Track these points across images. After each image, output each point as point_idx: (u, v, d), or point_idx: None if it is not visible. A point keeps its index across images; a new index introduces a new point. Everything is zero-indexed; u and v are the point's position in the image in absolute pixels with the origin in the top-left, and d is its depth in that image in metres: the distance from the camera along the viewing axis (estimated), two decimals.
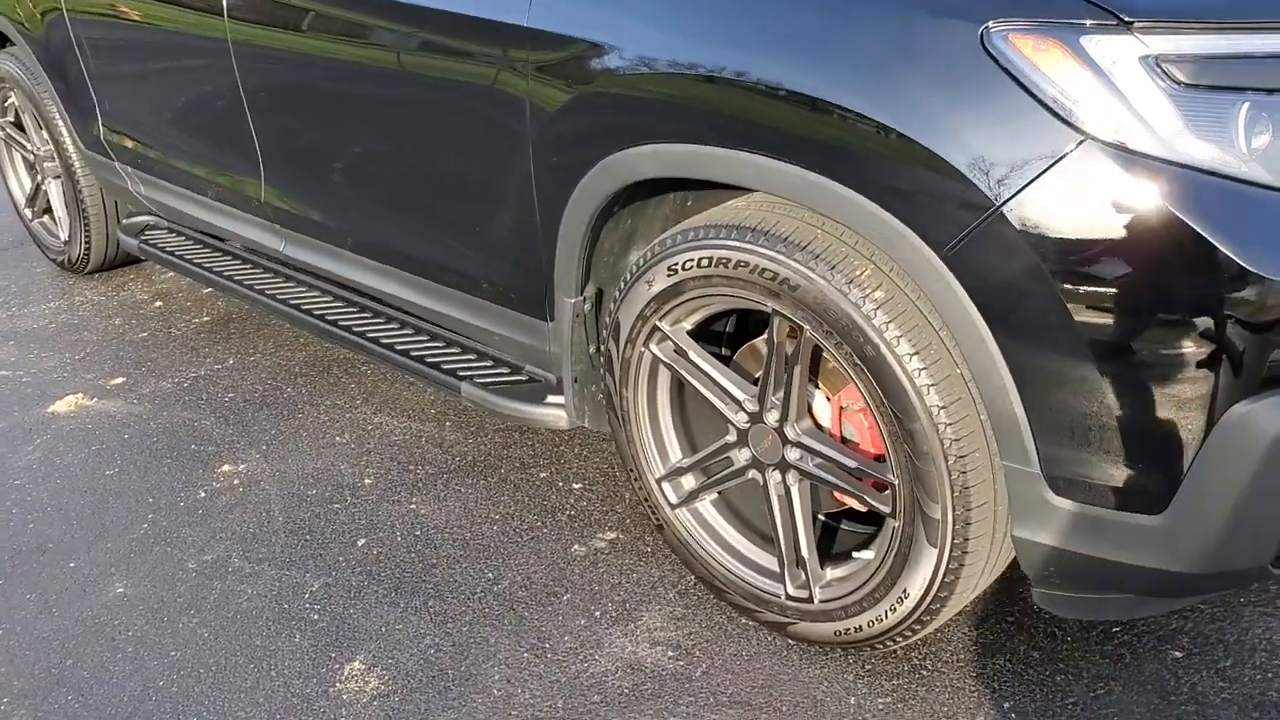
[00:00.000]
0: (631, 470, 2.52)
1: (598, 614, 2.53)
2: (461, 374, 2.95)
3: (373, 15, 2.66)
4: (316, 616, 2.60)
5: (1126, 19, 1.69)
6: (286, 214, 3.25)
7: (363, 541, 2.84)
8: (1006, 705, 2.19)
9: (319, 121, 2.95)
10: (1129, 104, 1.67)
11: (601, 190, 2.30)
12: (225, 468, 3.20)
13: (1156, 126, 1.67)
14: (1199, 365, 1.70)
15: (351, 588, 2.68)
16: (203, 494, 3.09)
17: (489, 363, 2.98)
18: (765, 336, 2.31)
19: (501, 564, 2.72)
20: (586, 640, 2.46)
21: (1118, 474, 1.81)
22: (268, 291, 3.51)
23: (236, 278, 3.65)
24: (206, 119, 3.41)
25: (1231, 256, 1.63)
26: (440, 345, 3.10)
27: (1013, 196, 1.73)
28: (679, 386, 2.45)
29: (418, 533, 2.86)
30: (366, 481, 3.09)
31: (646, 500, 2.52)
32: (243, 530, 2.92)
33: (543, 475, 3.05)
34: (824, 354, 2.15)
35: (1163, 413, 1.74)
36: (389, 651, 2.47)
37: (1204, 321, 1.68)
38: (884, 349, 1.95)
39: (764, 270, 2.06)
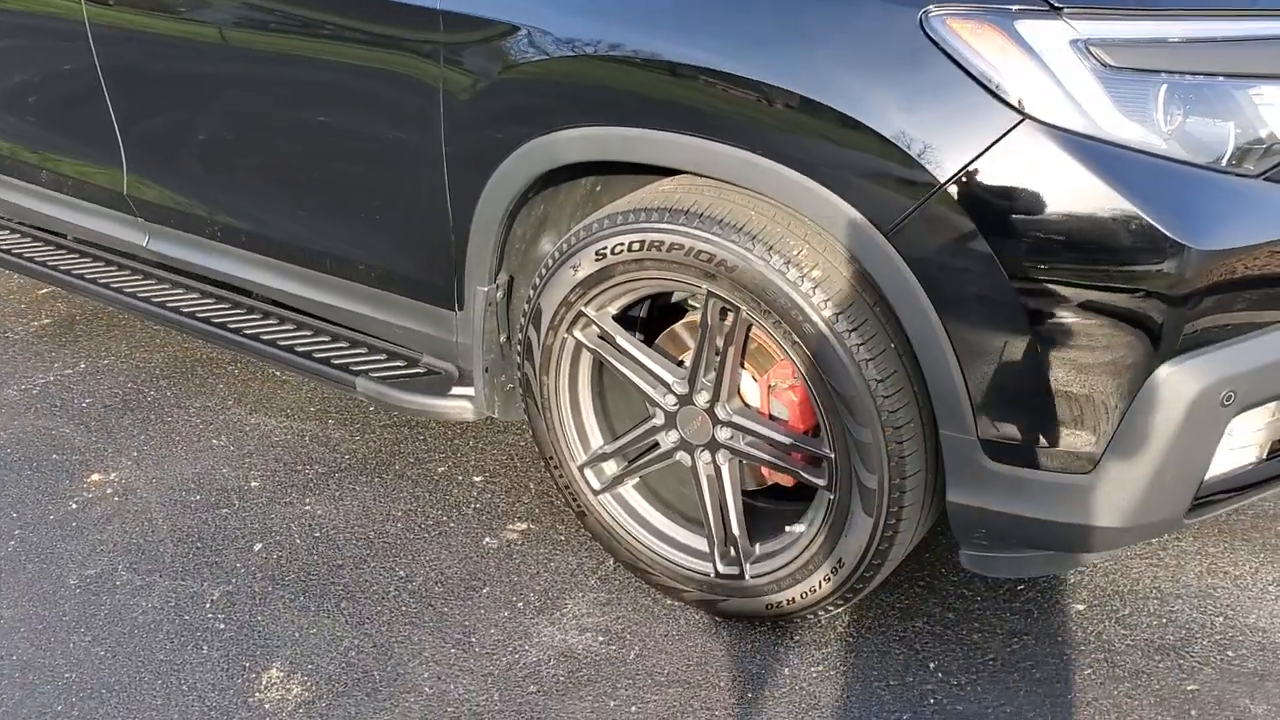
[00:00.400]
0: (551, 458, 2.50)
1: (520, 605, 2.51)
2: (354, 369, 2.86)
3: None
4: (222, 626, 2.48)
5: (1056, 4, 1.79)
6: (152, 207, 3.08)
7: (259, 546, 2.73)
8: (932, 665, 2.29)
9: (197, 108, 2.80)
10: (1062, 85, 1.77)
11: (521, 176, 2.28)
12: (95, 477, 3.02)
13: (1087, 106, 1.77)
14: (1128, 331, 1.82)
15: (255, 594, 2.57)
16: (73, 505, 2.90)
17: (382, 356, 2.90)
18: (694, 319, 2.34)
19: (412, 561, 2.66)
20: (513, 631, 2.43)
21: (1051, 437, 1.91)
22: (128, 290, 3.31)
23: (88, 276, 3.43)
24: (52, 103, 3.19)
25: (1158, 227, 1.75)
26: (327, 340, 3.00)
27: (955, 175, 1.80)
28: (598, 372, 2.45)
29: (317, 534, 2.77)
30: (253, 484, 2.96)
31: (567, 488, 2.51)
32: (125, 541, 2.76)
33: (440, 470, 3.00)
34: (750, 334, 2.19)
35: (1094, 377, 1.85)
36: (307, 656, 2.38)
37: (1133, 289, 1.80)
38: (823, 326, 2.01)
39: (699, 252, 2.09)
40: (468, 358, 2.62)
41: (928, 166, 1.82)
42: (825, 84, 1.88)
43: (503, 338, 2.56)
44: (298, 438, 3.15)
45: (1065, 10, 1.78)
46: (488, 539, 2.73)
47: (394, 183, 2.50)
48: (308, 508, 2.86)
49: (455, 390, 2.70)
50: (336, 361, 2.89)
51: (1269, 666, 2.24)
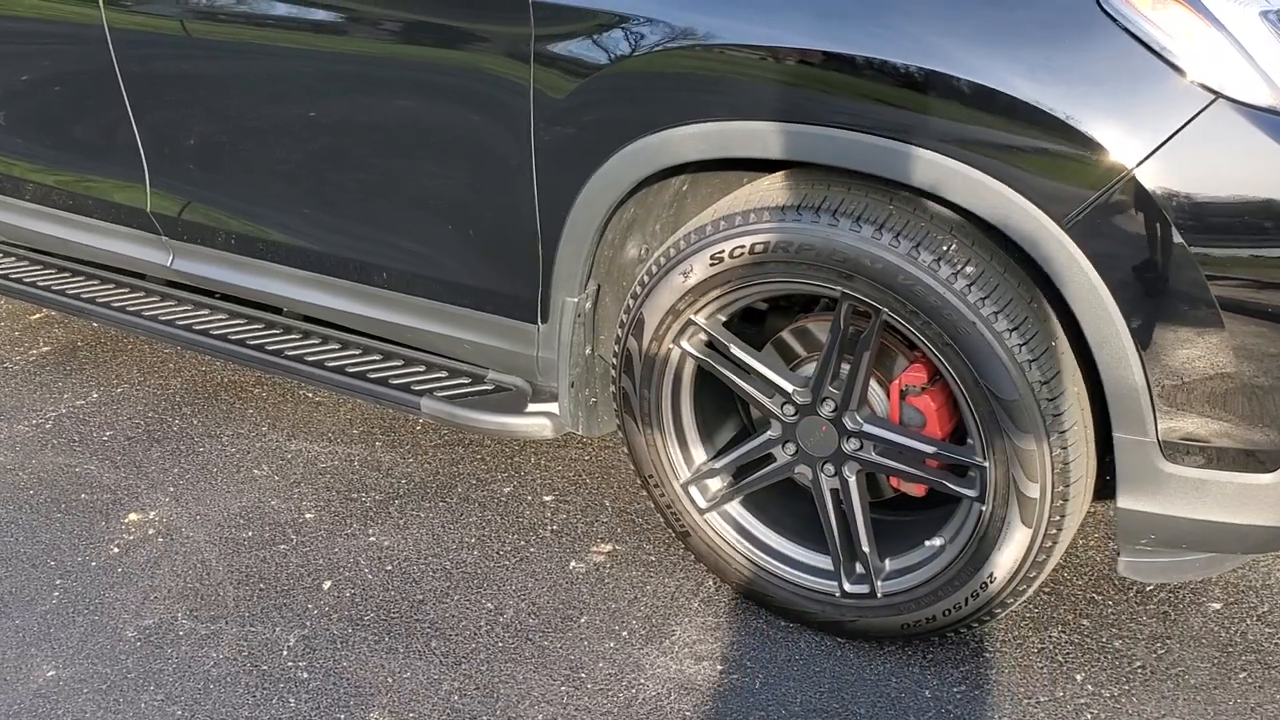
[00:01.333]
0: (650, 476, 2.34)
1: (625, 634, 2.35)
2: (416, 389, 2.67)
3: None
4: (305, 675, 2.29)
5: None
6: (179, 223, 2.86)
7: (329, 584, 2.54)
8: (1079, 677, 2.17)
9: (233, 114, 2.59)
10: (1255, 61, 1.65)
11: (626, 178, 2.11)
12: (133, 516, 2.80)
13: None
14: None
15: (335, 637, 2.38)
16: (115, 549, 2.68)
17: (443, 374, 2.72)
18: (805, 323, 2.20)
19: (498, 591, 2.49)
20: (624, 664, 2.27)
21: (1233, 436, 1.80)
22: (148, 314, 3.08)
23: (101, 300, 3.19)
24: (63, 113, 2.96)
25: None
26: (379, 359, 2.81)
27: (1143, 160, 1.68)
28: (700, 383, 2.29)
29: (389, 567, 2.58)
30: (308, 516, 2.76)
31: (669, 508, 2.35)
32: (180, 586, 2.55)
33: (507, 490, 2.82)
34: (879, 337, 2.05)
35: (1277, 369, 1.74)
36: (406, 704, 2.20)
37: None
38: (980, 326, 1.87)
39: (834, 252, 1.94)
40: (548, 372, 2.45)
41: (1112, 152, 1.69)
42: (989, 66, 1.74)
43: (587, 349, 2.40)
44: (346, 463, 2.96)
45: None
46: (574, 563, 2.56)
47: (471, 190, 2.32)
48: (373, 538, 2.67)
49: (532, 407, 2.54)
50: (395, 382, 2.70)
51: None
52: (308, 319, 2.95)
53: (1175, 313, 1.74)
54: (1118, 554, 2.04)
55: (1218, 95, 1.65)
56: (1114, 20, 1.68)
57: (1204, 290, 1.71)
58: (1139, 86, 1.68)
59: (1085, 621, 2.29)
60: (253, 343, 2.93)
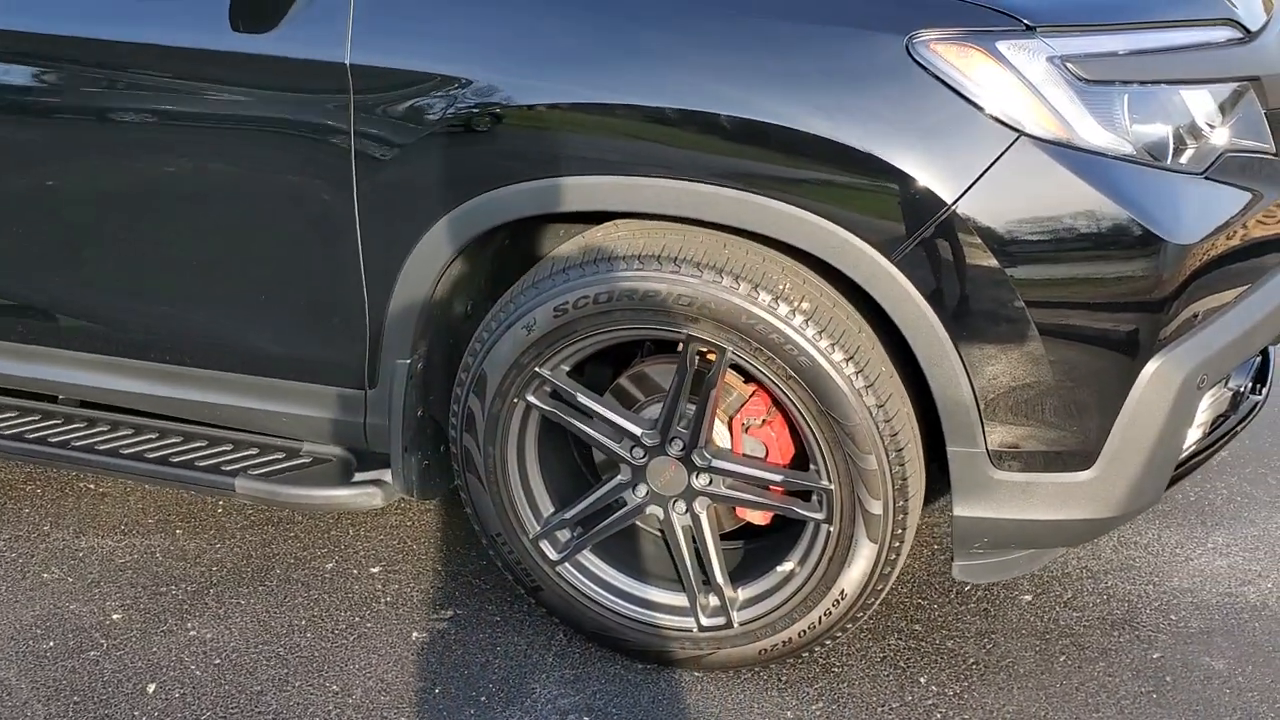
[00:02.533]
0: (498, 535, 2.32)
1: (483, 699, 2.31)
2: (226, 469, 2.54)
3: (117, 58, 2.22)
4: None
5: (1030, 24, 1.86)
6: None
7: (153, 687, 2.36)
8: (924, 680, 2.31)
9: (17, 186, 2.40)
10: (1047, 100, 1.85)
11: (460, 237, 2.12)
12: None
13: (1070, 119, 1.86)
14: (1122, 329, 1.92)
15: None
16: None
17: (253, 450, 2.60)
18: (642, 368, 2.25)
19: (341, 671, 2.39)
20: None
21: (1053, 439, 1.98)
22: None
23: None
24: None
25: (1146, 226, 1.87)
26: (179, 441, 2.65)
27: (963, 194, 1.84)
28: (543, 435, 2.30)
29: (217, 660, 2.43)
30: (115, 617, 2.56)
31: (518, 564, 2.34)
32: None
33: (329, 566, 2.72)
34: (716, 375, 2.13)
35: (1092, 376, 1.94)
36: None
37: (1126, 288, 1.90)
38: (819, 358, 1.98)
39: (680, 296, 2.01)
40: (378, 438, 2.39)
41: (932, 190, 1.84)
42: (813, 115, 1.86)
43: (419, 412, 2.36)
44: (147, 556, 2.77)
45: (1039, 29, 1.86)
46: (416, 633, 2.50)
47: (291, 260, 2.25)
48: (193, 632, 2.51)
49: (359, 476, 2.47)
50: (203, 464, 2.57)
51: (1210, 622, 2.42)
52: (88, 405, 2.76)
53: (997, 332, 1.91)
54: (951, 560, 2.19)
55: (1020, 133, 1.84)
56: (925, 70, 1.84)
57: (1021, 310, 1.88)
58: (952, 129, 1.85)
59: (918, 627, 2.45)
60: (32, 436, 2.70)
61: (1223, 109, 2.03)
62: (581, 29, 2.00)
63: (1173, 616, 2.44)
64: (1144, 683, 2.28)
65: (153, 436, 2.68)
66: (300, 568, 2.72)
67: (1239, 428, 2.29)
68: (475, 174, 2.05)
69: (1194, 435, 2.13)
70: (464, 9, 2.05)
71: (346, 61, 2.06)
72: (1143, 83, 1.92)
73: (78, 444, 2.66)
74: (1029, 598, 2.52)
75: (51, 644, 2.49)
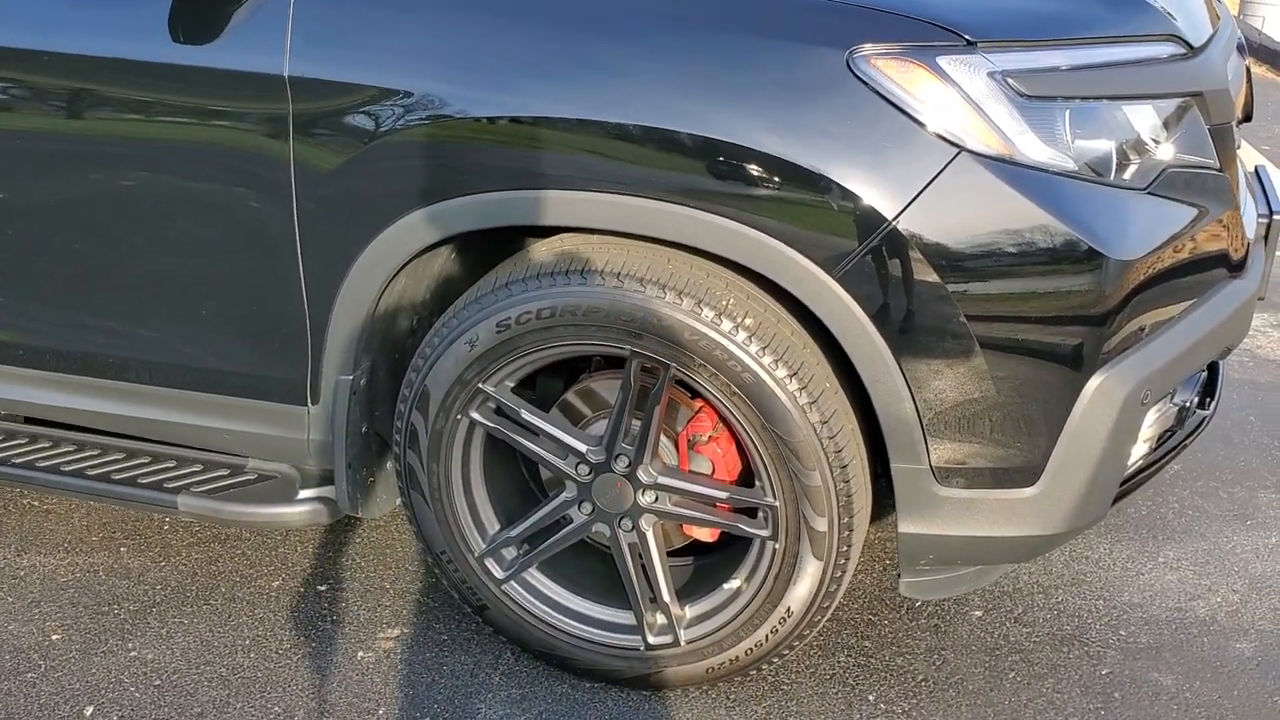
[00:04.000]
0: (443, 553, 2.29)
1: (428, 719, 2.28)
2: (169, 486, 2.50)
3: (51, 69, 2.18)
4: None
5: (970, 39, 1.86)
6: None
7: (90, 709, 2.31)
8: (872, 697, 2.29)
9: None
10: (988, 116, 1.84)
11: (401, 251, 2.09)
12: None
13: (1011, 134, 1.85)
14: (1065, 345, 1.91)
15: None
16: None
17: (197, 468, 2.56)
18: (588, 384, 2.23)
19: (284, 693, 2.35)
20: None
21: (997, 456, 1.97)
22: None
23: None
24: None
25: (1086, 242, 1.86)
26: (121, 458, 2.61)
27: (904, 210, 1.82)
28: (489, 451, 2.27)
29: (157, 682, 2.38)
30: (54, 638, 2.51)
31: (464, 583, 2.31)
32: None
33: (275, 584, 2.68)
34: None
35: (1035, 392, 1.93)
36: None
37: (1068, 303, 1.89)
38: (763, 374, 1.96)
39: (622, 312, 1.99)
40: (322, 455, 2.36)
41: (873, 206, 1.83)
42: (752, 130, 1.84)
43: (364, 428, 2.33)
44: (89, 574, 2.71)
45: (980, 44, 1.85)
46: (361, 653, 2.46)
47: (229, 274, 2.21)
48: (134, 653, 2.46)
49: (303, 494, 2.44)
50: (145, 481, 2.52)
51: (1159, 638, 2.42)
52: (30, 421, 2.71)
53: (940, 349, 1.90)
54: (898, 576, 2.18)
55: (960, 148, 1.83)
56: (866, 85, 1.83)
57: (963, 325, 1.87)
58: (893, 145, 1.83)
59: (867, 643, 2.43)
60: None
61: (1166, 124, 2.02)
62: (522, 42, 1.98)
63: (1122, 632, 2.44)
64: (1092, 699, 2.27)
65: (95, 453, 2.63)
66: (245, 586, 2.67)
67: (1185, 443, 2.29)
68: (415, 188, 2.02)
69: (1139, 451, 2.12)
70: (403, 22, 2.02)
71: (285, 74, 2.03)
72: (1085, 98, 1.91)
73: (18, 460, 2.61)
74: (979, 613, 2.51)
75: None
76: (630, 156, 1.93)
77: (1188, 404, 2.24)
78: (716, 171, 1.87)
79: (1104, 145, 1.93)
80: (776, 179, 1.85)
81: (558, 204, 1.97)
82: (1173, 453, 2.25)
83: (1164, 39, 2.05)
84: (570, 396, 2.26)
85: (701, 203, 1.89)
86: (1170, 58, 2.05)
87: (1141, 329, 1.97)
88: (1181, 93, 2.03)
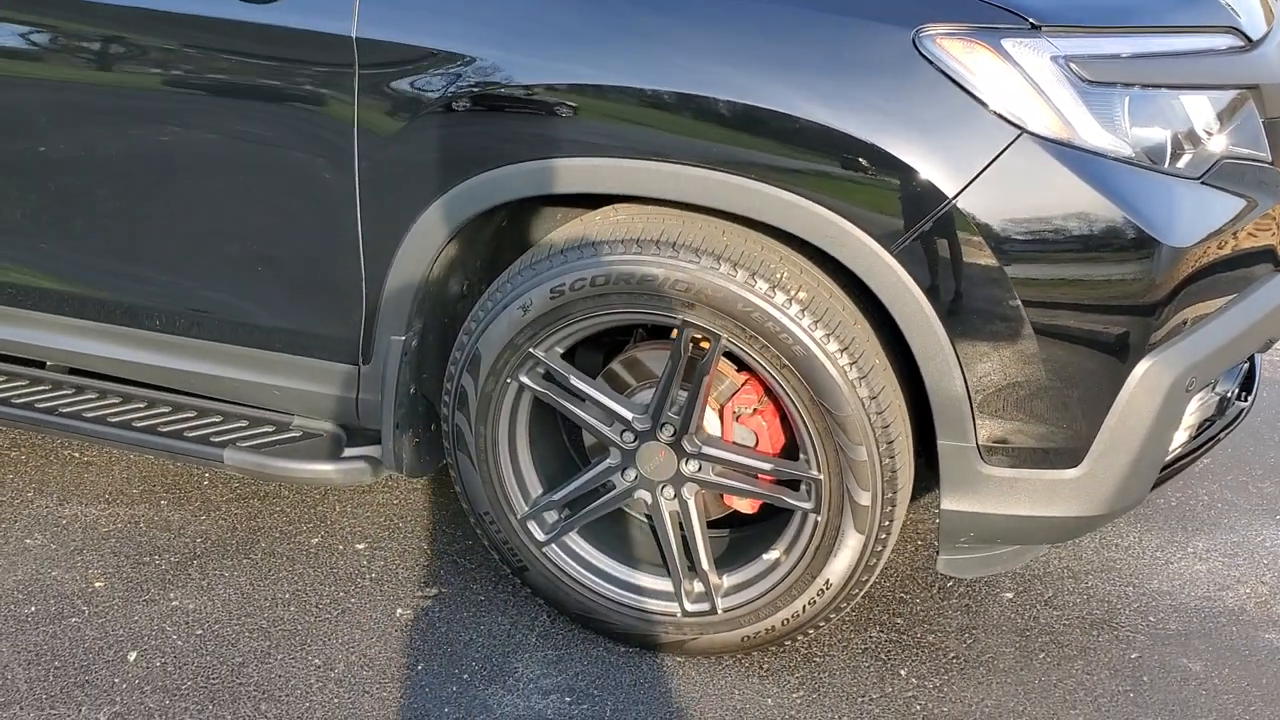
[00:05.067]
0: (486, 514, 2.33)
1: (466, 676, 2.31)
2: (215, 440, 2.54)
3: (121, 23, 2.21)
4: None
5: (1035, 23, 1.88)
6: None
7: (134, 655, 2.36)
8: (904, 672, 2.32)
9: (16, 150, 2.38)
10: (1050, 100, 1.86)
11: (459, 215, 2.12)
12: None
13: (1072, 118, 1.87)
14: (1114, 329, 1.93)
15: (151, 710, 2.22)
16: None
17: (243, 423, 2.59)
18: (634, 354, 2.26)
19: (324, 646, 2.39)
20: (470, 707, 2.24)
21: (1043, 436, 2.00)
22: None
23: None
24: None
25: (1142, 228, 1.88)
26: (168, 411, 2.65)
27: (964, 189, 1.85)
28: (534, 417, 2.30)
29: (199, 631, 2.43)
30: (97, 585, 2.56)
31: (505, 544, 2.34)
32: None
33: (314, 541, 2.72)
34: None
35: (1083, 375, 1.96)
36: None
37: (1120, 287, 1.91)
38: (814, 348, 1.99)
39: (675, 282, 2.01)
40: (369, 415, 2.39)
41: (933, 184, 1.85)
42: (820, 106, 1.87)
43: (412, 389, 2.36)
44: (131, 525, 2.76)
45: (1044, 29, 1.87)
46: (400, 610, 2.50)
47: (288, 232, 2.25)
48: (175, 603, 2.51)
49: (348, 451, 2.47)
50: (192, 434, 2.56)
51: (1189, 625, 2.44)
52: (75, 371, 2.75)
53: (992, 328, 1.92)
54: (936, 554, 2.21)
55: (1022, 130, 1.85)
56: (931, 64, 1.85)
57: (1016, 306, 1.90)
58: (955, 124, 1.86)
59: (899, 620, 2.46)
60: (19, 401, 2.69)
61: (1221, 116, 2.04)
62: (587, 10, 2.00)
63: (1151, 618, 2.47)
64: (1122, 681, 2.30)
65: (141, 405, 2.67)
66: (285, 542, 2.71)
67: (1224, 433, 2.31)
68: (476, 153, 2.05)
69: (1180, 438, 2.14)
70: None
71: (353, 35, 2.05)
72: (1144, 86, 1.93)
73: (65, 410, 2.65)
74: (1010, 595, 2.54)
75: (33, 609, 2.48)
76: (690, 128, 1.95)
77: (1229, 394, 2.27)
78: (777, 145, 1.90)
79: (1160, 133, 1.95)
80: (837, 153, 1.88)
81: (616, 172, 2.00)
82: (1212, 442, 2.27)
83: (1223, 30, 2.07)
84: (616, 365, 2.28)
85: (761, 175, 1.91)
86: (1229, 49, 2.06)
87: (1188, 318, 1.99)
88: (1239, 85, 2.05)
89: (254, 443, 2.52)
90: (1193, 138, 1.99)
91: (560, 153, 2.00)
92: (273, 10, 2.10)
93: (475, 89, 2.02)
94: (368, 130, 2.10)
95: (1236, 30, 2.08)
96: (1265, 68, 2.10)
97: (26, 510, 2.81)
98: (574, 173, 2.01)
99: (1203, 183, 1.99)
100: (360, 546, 2.70)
